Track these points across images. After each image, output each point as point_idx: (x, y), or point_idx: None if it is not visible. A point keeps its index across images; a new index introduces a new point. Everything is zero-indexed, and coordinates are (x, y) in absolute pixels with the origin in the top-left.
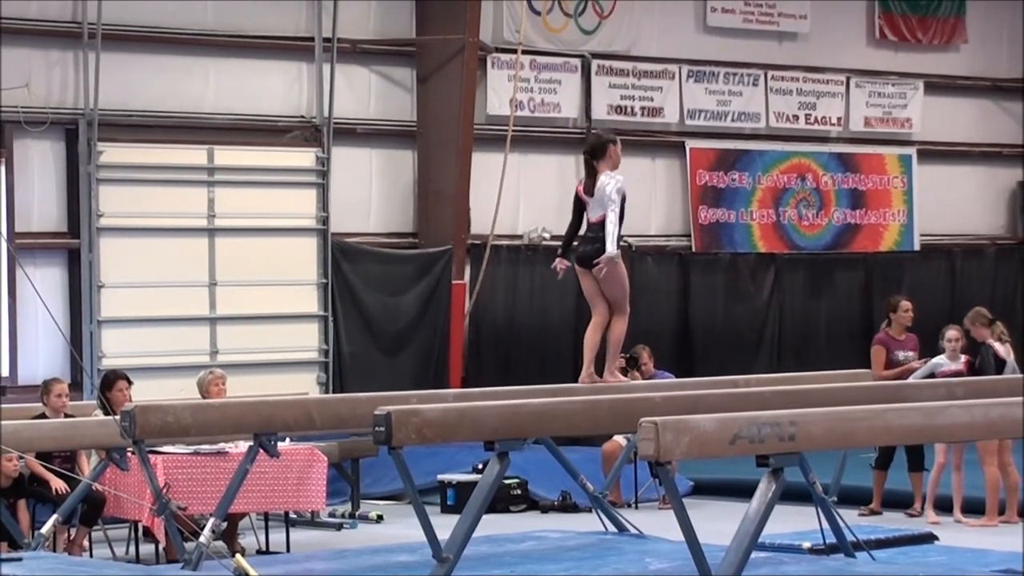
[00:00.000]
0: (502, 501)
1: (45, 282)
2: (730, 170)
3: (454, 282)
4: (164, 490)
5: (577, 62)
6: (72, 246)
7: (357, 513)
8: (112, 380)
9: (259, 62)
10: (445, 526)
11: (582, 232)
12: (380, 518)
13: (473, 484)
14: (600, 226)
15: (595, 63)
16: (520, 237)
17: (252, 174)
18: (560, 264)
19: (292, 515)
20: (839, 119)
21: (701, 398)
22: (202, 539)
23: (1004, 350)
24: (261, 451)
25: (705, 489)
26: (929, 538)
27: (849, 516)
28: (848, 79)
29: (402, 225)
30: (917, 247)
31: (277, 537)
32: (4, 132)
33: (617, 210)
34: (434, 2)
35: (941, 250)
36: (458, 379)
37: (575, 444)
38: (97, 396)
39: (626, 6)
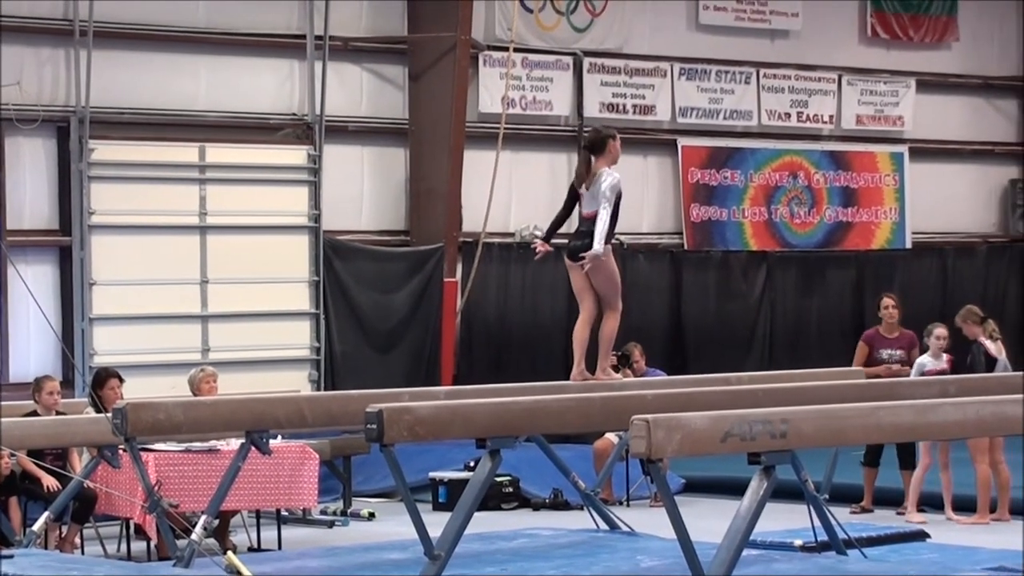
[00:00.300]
0: (494, 499)
1: (37, 280)
2: (722, 168)
3: (446, 280)
4: (156, 487)
5: (569, 60)
6: (64, 244)
7: (349, 510)
8: (104, 378)
9: (251, 60)
10: (437, 524)
11: (574, 226)
12: (372, 515)
13: (465, 482)
14: (592, 221)
15: (587, 61)
16: (512, 235)
17: (244, 172)
18: (541, 247)
19: (284, 512)
20: (831, 117)
21: (693, 396)
22: (194, 536)
23: (995, 348)
24: (253, 448)
25: (697, 487)
26: (920, 536)
27: (840, 514)
28: (840, 77)
29: (394, 223)
30: (909, 245)
31: (269, 534)
32: None
33: (610, 208)
34: (426, 0)
35: (933, 248)
36: (450, 377)
37: (567, 442)
38: (89, 394)
39: (618, 4)
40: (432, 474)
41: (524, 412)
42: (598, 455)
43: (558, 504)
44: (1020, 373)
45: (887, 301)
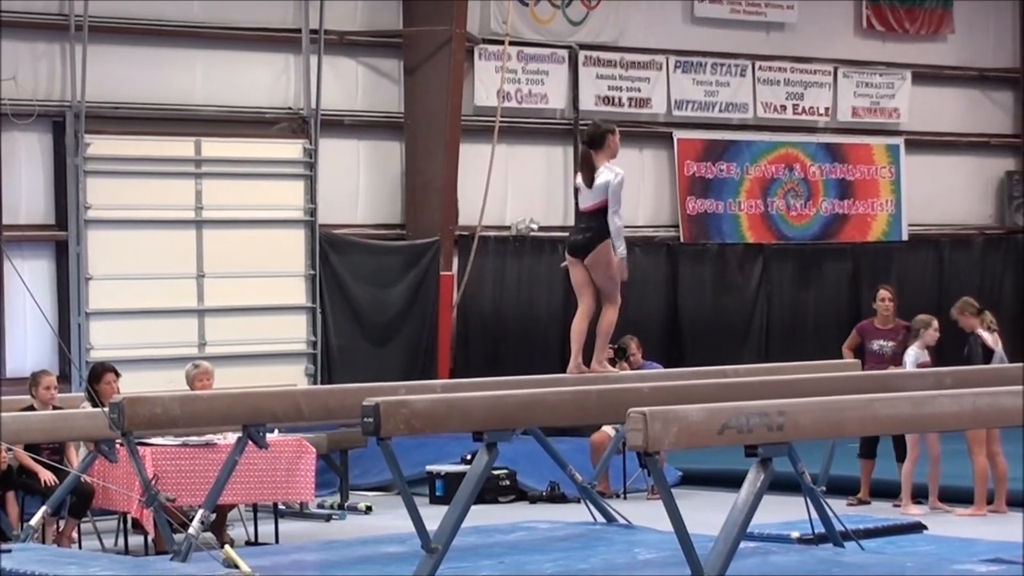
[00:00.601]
0: (491, 492)
1: (33, 274)
2: (718, 161)
3: (442, 273)
4: (153, 482)
5: (564, 53)
6: (60, 238)
7: (346, 504)
8: (100, 372)
9: (246, 54)
10: (434, 517)
11: (573, 222)
12: (369, 509)
13: (461, 475)
14: (591, 215)
15: (582, 54)
16: (508, 228)
17: (240, 166)
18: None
19: (281, 506)
20: (827, 109)
21: (689, 388)
22: (191, 530)
23: (992, 339)
24: (250, 442)
25: (693, 479)
26: (918, 527)
27: (837, 506)
28: (836, 69)
29: (390, 217)
30: (905, 237)
31: (266, 528)
32: None
33: (622, 212)
34: None
35: (929, 240)
36: (446, 370)
37: (564, 435)
38: (85, 388)
39: None
40: (429, 467)
41: (521, 405)
42: (595, 448)
43: (555, 497)
44: (1018, 365)
45: (884, 294)
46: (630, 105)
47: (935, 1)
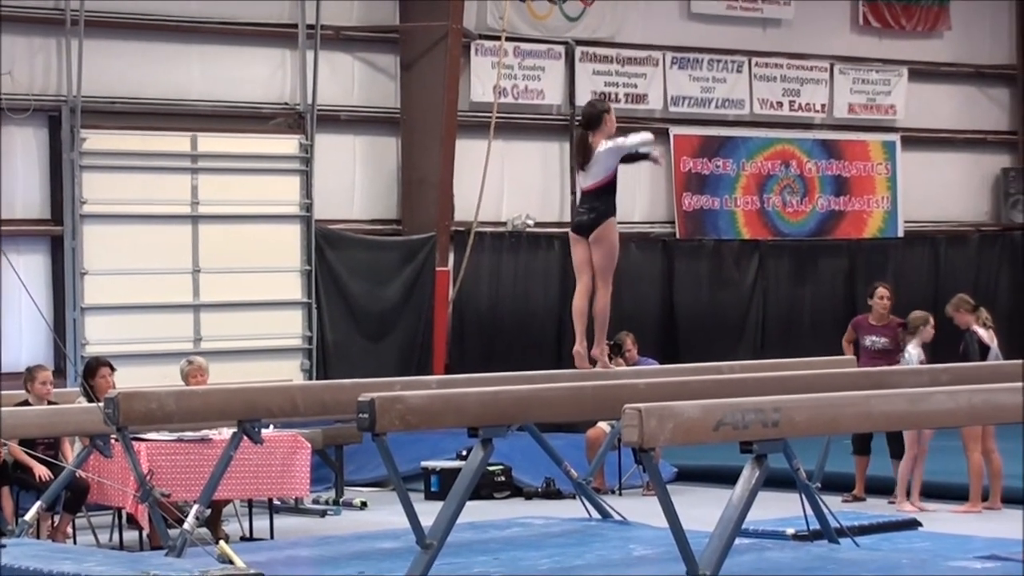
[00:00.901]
0: (486, 487)
1: (28, 269)
2: (714, 157)
3: (438, 269)
4: (148, 477)
5: (561, 49)
6: (55, 233)
7: (341, 500)
8: (95, 367)
9: (243, 49)
10: (429, 513)
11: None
12: (364, 505)
13: (457, 471)
14: (593, 195)
15: (579, 50)
16: (504, 224)
17: (236, 161)
18: None
19: (276, 502)
20: (823, 106)
21: (685, 384)
22: (186, 526)
23: (988, 336)
24: (245, 438)
25: (689, 475)
26: (913, 524)
27: (833, 502)
28: (832, 66)
29: (386, 212)
30: (901, 234)
31: (261, 524)
32: None
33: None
34: None
35: (925, 237)
36: (442, 366)
37: (559, 431)
38: (80, 383)
39: None
40: (424, 463)
41: (516, 401)
42: (590, 444)
43: (550, 493)
44: (1014, 361)
45: (881, 291)
46: (626, 101)
47: None
